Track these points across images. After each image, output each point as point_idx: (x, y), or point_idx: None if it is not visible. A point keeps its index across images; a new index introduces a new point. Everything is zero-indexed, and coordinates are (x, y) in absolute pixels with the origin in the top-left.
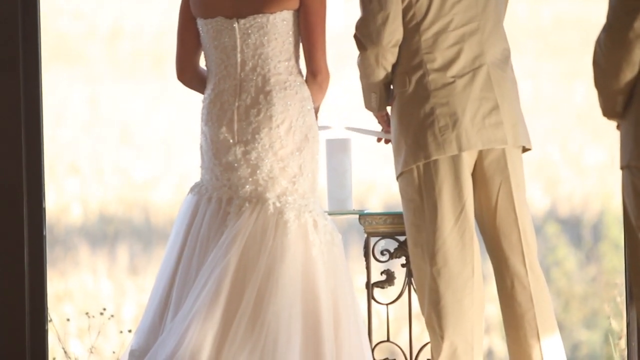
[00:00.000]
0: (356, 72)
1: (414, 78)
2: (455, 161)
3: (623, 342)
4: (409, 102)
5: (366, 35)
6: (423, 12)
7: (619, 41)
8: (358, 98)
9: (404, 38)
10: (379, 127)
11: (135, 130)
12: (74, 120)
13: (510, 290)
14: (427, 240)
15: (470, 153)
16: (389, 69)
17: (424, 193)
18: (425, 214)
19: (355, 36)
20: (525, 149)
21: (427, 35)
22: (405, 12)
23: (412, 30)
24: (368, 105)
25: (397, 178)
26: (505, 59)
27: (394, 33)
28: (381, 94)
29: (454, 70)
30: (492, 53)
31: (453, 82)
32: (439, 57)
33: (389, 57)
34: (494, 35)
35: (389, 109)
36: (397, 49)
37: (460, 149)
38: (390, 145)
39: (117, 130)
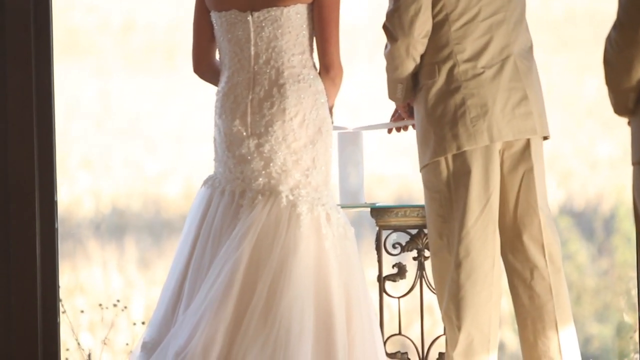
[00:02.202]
0: (366, 67)
1: (444, 69)
2: (486, 152)
3: (637, 336)
4: (438, 93)
5: (398, 26)
6: (453, 3)
7: (630, 39)
8: (368, 92)
9: (432, 29)
10: (386, 119)
11: (146, 124)
12: (85, 114)
13: (529, 282)
14: (452, 231)
15: (500, 143)
16: (418, 60)
17: (453, 184)
18: (453, 205)
19: (384, 27)
20: (544, 138)
21: (456, 26)
22: (434, 3)
23: (440, 21)
24: (392, 96)
25: (421, 169)
26: (529, 50)
27: (424, 24)
28: (408, 85)
29: (483, 61)
30: (518, 44)
31: (482, 72)
32: (469, 48)
33: (420, 48)
34: (519, 26)
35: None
36: (426, 40)
37: (491, 140)
38: (400, 137)
39: (129, 123)
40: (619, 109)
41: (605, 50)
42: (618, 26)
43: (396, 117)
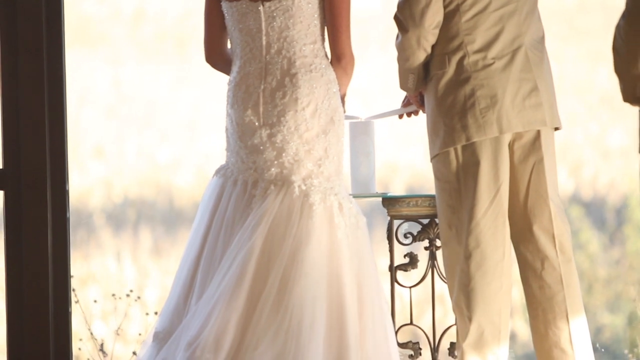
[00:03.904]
0: (379, 55)
1: (454, 59)
2: (495, 143)
3: None
4: (448, 83)
5: (409, 17)
6: None
7: (637, 27)
8: (380, 80)
9: (443, 20)
10: (396, 107)
11: (158, 113)
12: (97, 103)
13: (540, 272)
14: (461, 222)
15: (509, 134)
16: (429, 50)
17: (462, 175)
18: (462, 196)
19: (396, 17)
20: (555, 129)
21: (467, 17)
22: None
23: (451, 11)
24: (404, 86)
25: (432, 159)
26: (541, 40)
27: (435, 15)
28: (419, 75)
29: (494, 51)
30: (530, 34)
31: (493, 63)
32: (479, 39)
33: (431, 38)
34: (531, 17)
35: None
36: (437, 31)
37: (501, 131)
38: (412, 126)
39: (141, 112)
40: (628, 97)
41: (614, 38)
42: (626, 15)
43: (406, 102)
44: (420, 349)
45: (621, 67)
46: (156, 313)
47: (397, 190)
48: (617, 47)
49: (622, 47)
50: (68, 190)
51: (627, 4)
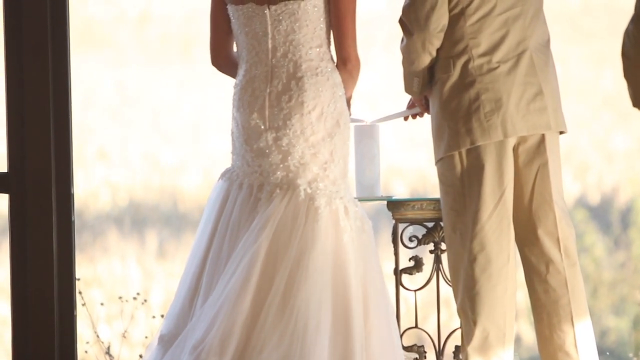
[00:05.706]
0: (384, 57)
1: (459, 63)
2: (499, 147)
3: None
4: (453, 87)
5: (414, 20)
6: None
7: None
8: (385, 82)
9: (448, 23)
10: (401, 109)
11: (163, 115)
12: (102, 105)
13: (545, 275)
14: (466, 226)
15: (514, 138)
16: (434, 54)
17: (466, 179)
18: (466, 200)
19: (401, 21)
20: (560, 133)
21: (472, 20)
22: None
23: (456, 15)
24: (409, 90)
25: (437, 163)
26: (546, 44)
27: (440, 19)
28: (424, 79)
29: (499, 55)
30: (535, 38)
31: (497, 67)
32: (484, 43)
33: (435, 42)
34: (536, 20)
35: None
36: (442, 35)
37: (505, 135)
38: (417, 129)
39: (146, 115)
40: (637, 102)
41: (623, 43)
42: (635, 20)
43: (411, 104)
44: (425, 352)
45: (631, 72)
46: (162, 316)
47: (402, 193)
48: (627, 52)
49: (632, 52)
50: (73, 194)
51: (636, 9)
